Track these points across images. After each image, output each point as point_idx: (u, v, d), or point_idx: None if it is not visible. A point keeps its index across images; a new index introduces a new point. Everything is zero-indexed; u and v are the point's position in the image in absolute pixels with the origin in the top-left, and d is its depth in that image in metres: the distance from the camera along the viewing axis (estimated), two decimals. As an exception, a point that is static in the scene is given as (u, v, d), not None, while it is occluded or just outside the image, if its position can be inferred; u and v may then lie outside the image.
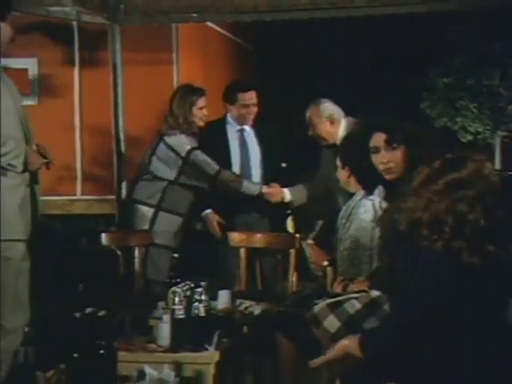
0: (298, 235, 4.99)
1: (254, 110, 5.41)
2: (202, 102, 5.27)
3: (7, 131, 3.64)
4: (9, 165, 3.63)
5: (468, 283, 2.56)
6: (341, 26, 6.73)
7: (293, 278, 4.88)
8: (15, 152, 3.64)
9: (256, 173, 5.45)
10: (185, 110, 5.23)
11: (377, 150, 3.68)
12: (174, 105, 5.29)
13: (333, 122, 5.26)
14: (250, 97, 5.39)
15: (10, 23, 3.70)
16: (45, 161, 3.81)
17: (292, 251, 4.91)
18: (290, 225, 5.36)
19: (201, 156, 5.22)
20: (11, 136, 3.65)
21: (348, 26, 6.64)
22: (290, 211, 5.30)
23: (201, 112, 5.26)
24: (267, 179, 5.40)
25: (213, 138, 5.39)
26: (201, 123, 5.28)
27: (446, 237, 2.57)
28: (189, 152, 5.20)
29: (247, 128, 5.48)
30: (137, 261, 5.01)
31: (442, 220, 2.58)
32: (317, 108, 5.28)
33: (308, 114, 5.30)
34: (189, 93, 5.30)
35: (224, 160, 5.33)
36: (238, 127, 5.47)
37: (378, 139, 3.70)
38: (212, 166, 5.21)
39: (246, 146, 5.47)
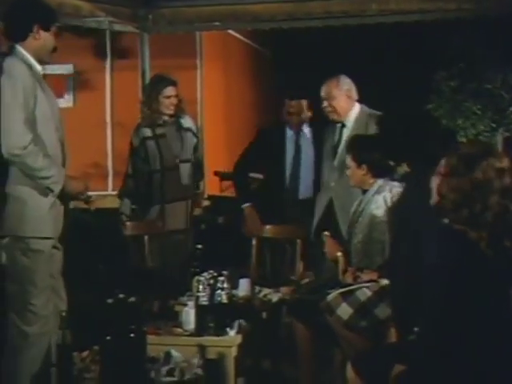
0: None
1: (297, 118, 5.19)
2: (168, 91, 5.15)
3: (48, 143, 3.62)
4: (47, 188, 3.63)
5: (481, 273, 2.53)
6: (353, 33, 6.70)
7: (299, 265, 4.88)
8: (55, 178, 3.62)
9: (306, 175, 5.17)
10: (152, 99, 5.16)
11: None
12: (144, 94, 5.31)
13: (349, 97, 4.92)
14: (292, 105, 5.18)
15: (53, 33, 3.72)
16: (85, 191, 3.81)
17: (298, 241, 4.90)
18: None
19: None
20: (55, 162, 3.64)
21: (360, 33, 6.61)
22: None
23: (167, 100, 5.14)
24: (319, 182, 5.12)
25: (271, 138, 5.25)
26: (168, 111, 5.17)
27: (466, 216, 2.54)
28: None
29: (304, 132, 5.25)
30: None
31: (469, 203, 2.56)
32: (336, 81, 4.91)
33: (326, 86, 4.90)
34: (157, 82, 5.23)
35: (278, 160, 5.18)
36: (294, 130, 5.26)
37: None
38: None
39: (299, 150, 5.22)
